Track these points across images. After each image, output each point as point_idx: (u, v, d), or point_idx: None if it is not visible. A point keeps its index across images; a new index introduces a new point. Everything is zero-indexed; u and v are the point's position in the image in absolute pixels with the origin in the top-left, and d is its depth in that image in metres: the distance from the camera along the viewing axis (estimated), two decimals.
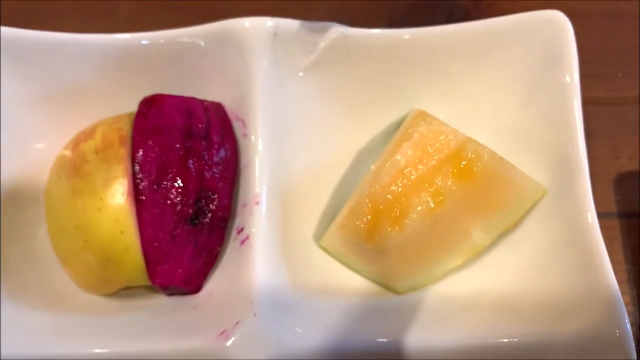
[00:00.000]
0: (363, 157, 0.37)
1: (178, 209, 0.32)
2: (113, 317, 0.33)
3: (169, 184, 0.32)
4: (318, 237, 0.35)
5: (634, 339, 0.30)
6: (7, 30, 0.34)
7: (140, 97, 0.34)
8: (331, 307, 0.32)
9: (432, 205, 0.33)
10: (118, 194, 0.31)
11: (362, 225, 0.33)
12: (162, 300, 0.34)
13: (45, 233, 0.34)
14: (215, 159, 0.33)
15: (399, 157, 0.34)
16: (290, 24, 0.34)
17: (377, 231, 0.33)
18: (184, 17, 0.35)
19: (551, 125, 0.34)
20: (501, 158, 0.33)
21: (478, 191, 0.33)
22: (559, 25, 0.34)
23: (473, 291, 0.33)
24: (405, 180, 0.33)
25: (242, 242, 0.32)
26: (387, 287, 0.34)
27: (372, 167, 0.34)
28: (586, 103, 0.34)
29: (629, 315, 0.29)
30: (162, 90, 0.34)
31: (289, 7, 0.34)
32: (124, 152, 0.32)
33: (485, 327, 0.31)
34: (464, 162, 0.33)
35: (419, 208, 0.33)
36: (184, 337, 0.30)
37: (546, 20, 0.34)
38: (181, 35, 0.35)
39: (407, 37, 0.35)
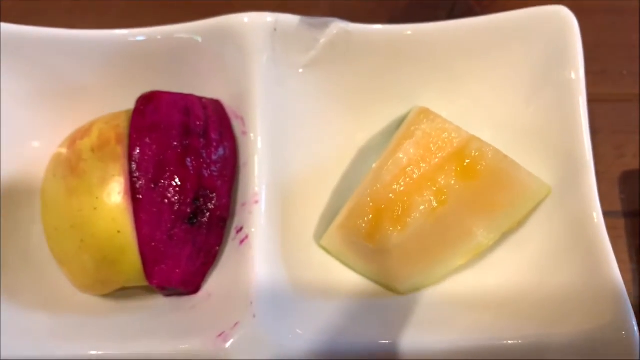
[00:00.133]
0: (364, 156, 0.37)
1: (176, 208, 0.31)
2: (110, 318, 0.32)
3: (166, 182, 0.31)
4: (318, 236, 0.35)
5: None
6: (3, 26, 0.34)
7: (137, 94, 0.33)
8: (332, 307, 0.32)
9: (434, 204, 0.33)
10: (115, 193, 0.31)
11: (364, 225, 0.33)
12: (159, 301, 0.33)
13: (41, 232, 0.33)
14: (214, 157, 0.33)
15: (401, 156, 0.33)
16: (290, 20, 0.34)
17: (379, 231, 0.33)
18: (182, 15, 0.35)
19: (556, 122, 0.34)
20: (505, 156, 0.33)
21: (482, 190, 0.33)
22: (563, 20, 0.34)
23: (476, 291, 0.33)
24: (408, 179, 0.33)
25: (241, 241, 0.32)
26: (389, 287, 0.34)
27: (374, 166, 0.34)
28: (590, 101, 0.33)
29: (635, 316, 0.29)
30: (160, 87, 0.34)
31: (289, 6, 0.34)
32: (120, 150, 0.32)
33: (489, 328, 0.31)
34: (467, 161, 0.33)
35: (421, 207, 0.33)
36: (182, 339, 0.30)
37: (550, 15, 0.34)
38: (179, 31, 0.34)
39: (409, 33, 0.35)
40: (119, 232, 0.31)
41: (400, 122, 0.36)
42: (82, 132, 0.33)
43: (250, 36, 0.33)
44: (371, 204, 0.33)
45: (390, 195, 0.33)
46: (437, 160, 0.33)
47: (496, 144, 0.33)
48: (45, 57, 0.34)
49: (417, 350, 0.30)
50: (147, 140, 0.32)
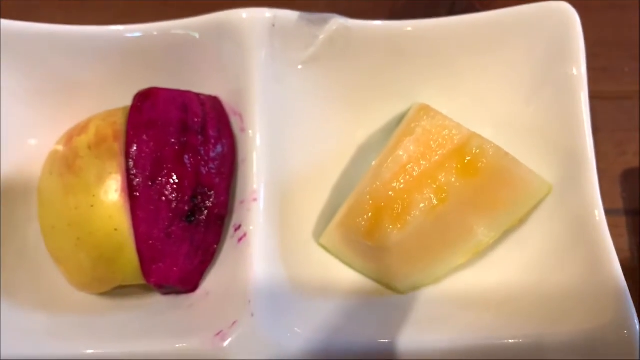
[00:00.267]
0: (364, 153, 0.37)
1: (173, 206, 0.31)
2: (107, 317, 0.32)
3: (164, 180, 0.31)
4: (317, 234, 0.35)
5: None
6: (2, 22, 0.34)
7: (134, 91, 0.33)
8: (331, 306, 0.32)
9: (435, 202, 0.33)
10: (112, 191, 0.31)
11: (363, 223, 0.33)
12: (157, 300, 0.33)
13: (38, 230, 0.33)
14: (212, 154, 0.33)
15: (401, 153, 0.33)
16: (289, 16, 0.34)
17: (378, 229, 0.33)
18: (181, 13, 0.35)
19: (557, 119, 0.34)
20: (506, 154, 0.33)
21: (482, 188, 0.32)
22: (565, 15, 0.33)
23: (476, 290, 0.33)
24: (408, 177, 0.33)
25: (240, 239, 0.31)
26: (388, 286, 0.34)
27: (373, 163, 0.34)
28: (591, 98, 0.33)
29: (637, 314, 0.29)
30: (157, 84, 0.34)
31: (288, 5, 0.34)
32: (117, 147, 0.32)
33: (489, 327, 0.31)
34: (468, 158, 0.33)
35: (421, 205, 0.33)
36: (179, 338, 0.30)
37: (552, 11, 0.34)
38: (176, 27, 0.34)
39: (409, 29, 0.35)
40: (116, 230, 0.31)
41: (400, 119, 0.36)
42: (79, 129, 0.33)
43: (249, 32, 0.33)
44: (371, 202, 0.33)
45: (390, 193, 0.33)
46: (437, 157, 0.33)
47: (497, 141, 0.33)
48: (42, 54, 0.34)
49: (416, 349, 0.30)
50: (145, 137, 0.32)
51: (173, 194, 0.31)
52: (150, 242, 0.31)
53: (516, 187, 0.32)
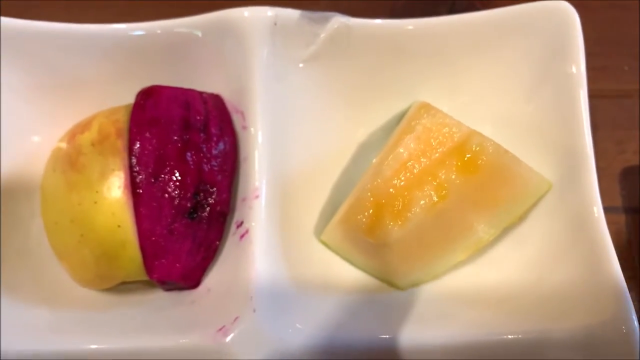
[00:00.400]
0: (364, 151, 0.37)
1: (176, 203, 0.31)
2: (110, 313, 0.32)
3: (166, 177, 0.31)
4: (318, 231, 0.35)
5: None
6: (4, 20, 0.34)
7: (137, 89, 0.33)
8: (332, 302, 0.32)
9: (435, 199, 0.33)
10: (115, 187, 0.31)
11: (364, 220, 0.33)
12: (159, 296, 0.33)
13: (41, 227, 0.33)
14: (214, 152, 0.33)
15: (401, 150, 0.33)
16: (290, 14, 0.34)
17: (379, 226, 0.33)
18: (182, 11, 0.35)
19: (557, 117, 0.34)
20: (506, 151, 0.33)
21: (482, 185, 0.33)
22: (564, 14, 0.33)
23: (476, 287, 0.33)
24: (408, 174, 0.33)
25: (242, 236, 0.31)
26: (389, 282, 0.34)
27: (374, 161, 0.34)
28: (591, 96, 0.33)
29: (636, 312, 0.29)
30: (160, 82, 0.34)
31: (290, 4, 0.34)
32: (120, 144, 0.32)
33: (489, 323, 0.31)
34: (468, 155, 0.33)
35: (421, 202, 0.33)
36: (182, 333, 0.30)
37: (552, 10, 0.34)
38: (178, 25, 0.34)
39: (410, 27, 0.35)
40: (119, 226, 0.31)
41: (400, 117, 0.36)
42: (82, 127, 0.33)
43: (251, 30, 0.33)
44: (371, 199, 0.33)
45: (391, 190, 0.33)
46: (437, 155, 0.33)
47: (497, 139, 0.33)
48: (46, 52, 0.34)
49: (417, 345, 0.30)
50: (147, 134, 0.32)
51: (175, 191, 0.31)
52: (153, 238, 0.31)
53: (516, 184, 0.32)
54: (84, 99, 0.35)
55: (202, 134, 0.33)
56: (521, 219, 0.34)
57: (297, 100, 0.35)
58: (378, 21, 0.35)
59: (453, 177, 0.33)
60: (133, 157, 0.31)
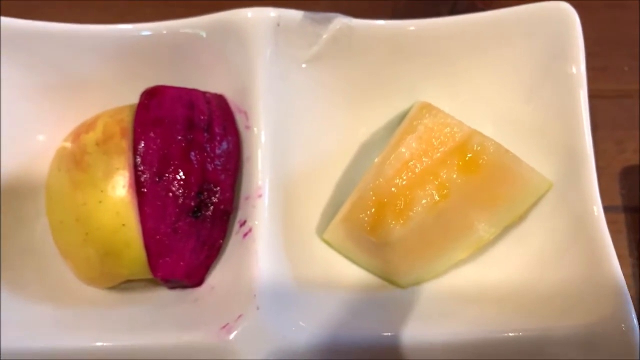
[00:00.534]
0: (366, 150, 0.37)
1: (180, 202, 0.31)
2: (114, 310, 0.33)
3: (170, 176, 0.32)
4: (321, 230, 0.35)
5: None
6: (6, 21, 0.34)
7: (141, 89, 0.34)
8: (334, 300, 0.32)
9: (436, 198, 0.33)
10: (119, 186, 0.31)
11: (366, 219, 0.33)
12: (163, 294, 0.33)
13: (46, 226, 0.33)
14: (218, 151, 0.33)
15: (403, 150, 0.33)
16: (293, 15, 0.34)
17: (381, 224, 0.33)
18: (184, 10, 0.35)
19: (557, 117, 0.34)
20: (507, 151, 0.33)
21: (483, 184, 0.33)
22: (564, 15, 0.34)
23: (477, 285, 0.33)
24: (410, 173, 0.33)
25: (245, 235, 0.32)
26: (390, 281, 0.34)
27: (376, 160, 0.34)
28: (591, 96, 0.34)
29: (635, 309, 0.29)
30: (164, 82, 0.34)
31: (292, 5, 0.34)
32: (125, 144, 0.32)
33: (489, 321, 0.31)
34: (469, 155, 0.33)
35: (423, 201, 0.33)
36: (185, 331, 0.30)
37: (552, 10, 0.34)
38: (183, 26, 0.34)
39: (411, 28, 0.35)
40: (123, 225, 0.31)
41: (402, 117, 0.36)
42: (87, 126, 0.33)
43: (254, 31, 0.33)
44: (373, 198, 0.33)
45: (393, 189, 0.33)
46: (439, 154, 0.33)
47: (498, 138, 0.33)
48: (51, 52, 0.35)
49: (418, 343, 0.30)
50: (152, 134, 0.32)
51: (179, 190, 0.31)
52: (157, 237, 0.31)
53: (516, 183, 0.33)
54: (89, 99, 0.35)
55: (205, 134, 0.33)
56: (522, 218, 0.34)
57: (300, 100, 0.35)
58: (380, 22, 0.35)
59: (454, 176, 0.33)
60: (137, 157, 0.31)
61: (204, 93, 0.34)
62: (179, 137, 0.32)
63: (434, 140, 0.33)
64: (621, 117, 0.42)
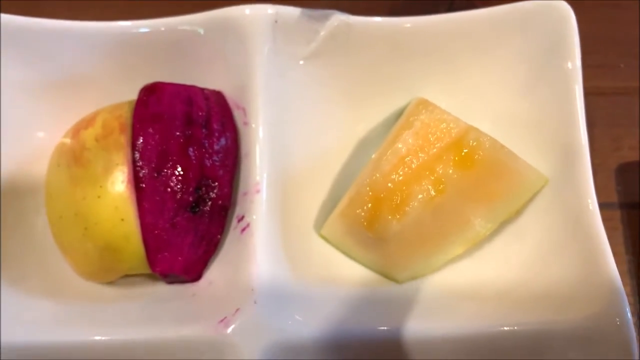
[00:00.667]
0: (364, 147, 0.37)
1: (178, 197, 0.32)
2: (113, 305, 0.33)
3: (169, 171, 0.32)
4: (318, 226, 0.35)
5: (635, 328, 0.30)
6: (6, 17, 0.34)
7: (140, 85, 0.34)
8: (331, 295, 0.32)
9: (433, 193, 0.33)
10: (118, 182, 0.31)
11: (363, 214, 0.33)
12: (162, 289, 0.34)
13: (45, 221, 0.34)
14: (216, 147, 0.33)
15: (400, 146, 0.34)
16: (291, 12, 0.34)
17: (378, 220, 0.33)
18: (182, 9, 0.35)
19: (553, 112, 0.34)
20: (503, 146, 0.33)
21: (479, 179, 0.33)
22: (560, 12, 0.34)
23: (473, 280, 0.34)
24: (406, 169, 0.33)
25: (243, 230, 0.32)
26: (387, 276, 0.34)
27: (373, 156, 0.34)
28: (588, 94, 0.34)
29: (629, 305, 0.29)
30: (163, 79, 0.34)
31: (290, 2, 0.34)
32: (124, 139, 0.32)
33: (486, 316, 0.31)
34: (465, 150, 0.33)
35: (419, 196, 0.33)
36: (184, 325, 0.30)
37: (548, 8, 0.34)
38: (181, 22, 0.35)
39: (408, 25, 0.35)
40: (122, 220, 0.31)
41: (399, 113, 0.36)
42: (86, 122, 0.33)
43: (252, 28, 0.33)
44: (370, 193, 0.33)
45: (389, 184, 0.33)
46: (435, 150, 0.33)
47: (495, 134, 0.33)
48: (51, 49, 0.35)
49: (414, 338, 0.30)
50: (150, 130, 0.32)
51: (178, 185, 0.32)
52: (156, 232, 0.31)
53: (512, 179, 0.33)
54: (88, 96, 0.36)
55: (204, 130, 0.33)
56: (518, 213, 0.34)
57: (298, 96, 0.35)
58: (377, 19, 0.35)
59: (450, 171, 0.33)
60: (136, 152, 0.31)
61: (203, 89, 0.35)
62: (178, 133, 0.32)
63: (430, 136, 0.33)
64: (617, 114, 0.42)
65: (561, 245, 0.32)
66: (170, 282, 0.34)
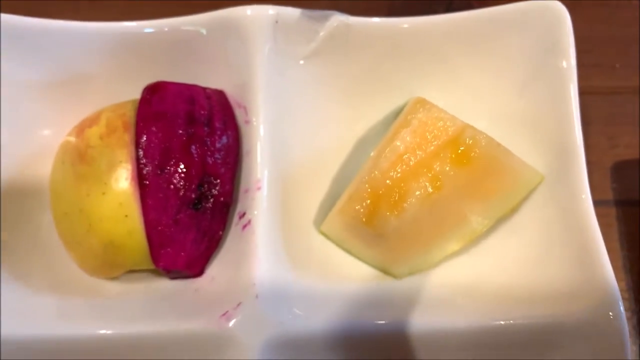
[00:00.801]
0: (363, 145, 0.37)
1: (181, 194, 0.32)
2: (117, 300, 0.33)
3: (172, 169, 0.32)
4: (318, 222, 0.35)
5: (629, 323, 0.30)
6: (10, 18, 0.34)
7: (143, 85, 0.34)
8: (330, 290, 0.33)
9: (430, 190, 0.33)
10: (122, 179, 0.32)
11: (362, 210, 0.34)
12: (165, 284, 0.34)
13: (50, 218, 0.34)
14: (218, 145, 0.33)
15: (398, 143, 0.34)
16: (291, 12, 0.34)
17: (377, 216, 0.34)
18: (185, 8, 0.36)
19: (548, 111, 0.34)
20: (499, 144, 0.33)
21: (476, 177, 0.33)
22: (556, 13, 0.34)
23: (470, 276, 0.34)
24: (404, 166, 0.34)
25: (244, 227, 0.32)
26: (386, 271, 0.34)
27: (372, 154, 0.35)
28: (584, 93, 0.34)
29: (623, 300, 0.30)
30: (165, 78, 0.34)
31: (291, 3, 0.35)
32: (127, 137, 0.32)
33: (482, 312, 0.31)
34: (461, 148, 0.33)
35: (417, 193, 0.33)
36: (187, 319, 0.30)
37: (544, 8, 0.34)
38: (184, 23, 0.35)
39: (406, 26, 0.35)
40: (126, 216, 0.31)
41: (398, 112, 0.36)
42: (91, 121, 0.33)
43: (253, 28, 0.34)
44: (369, 190, 0.34)
45: (388, 181, 0.33)
46: (432, 147, 0.34)
47: (491, 133, 0.34)
48: (56, 49, 0.35)
49: (412, 332, 0.30)
50: (154, 128, 0.32)
51: (181, 182, 0.32)
52: (159, 228, 0.32)
53: (507, 176, 0.33)
54: (93, 95, 0.36)
55: (206, 128, 0.33)
56: (514, 210, 0.34)
57: (298, 95, 0.36)
58: (376, 20, 0.35)
59: (447, 169, 0.33)
60: (140, 150, 0.32)
61: (205, 89, 0.35)
62: (180, 131, 0.33)
63: (427, 134, 0.34)
64: (613, 113, 0.42)
65: (556, 242, 0.33)
66: (173, 278, 0.34)
